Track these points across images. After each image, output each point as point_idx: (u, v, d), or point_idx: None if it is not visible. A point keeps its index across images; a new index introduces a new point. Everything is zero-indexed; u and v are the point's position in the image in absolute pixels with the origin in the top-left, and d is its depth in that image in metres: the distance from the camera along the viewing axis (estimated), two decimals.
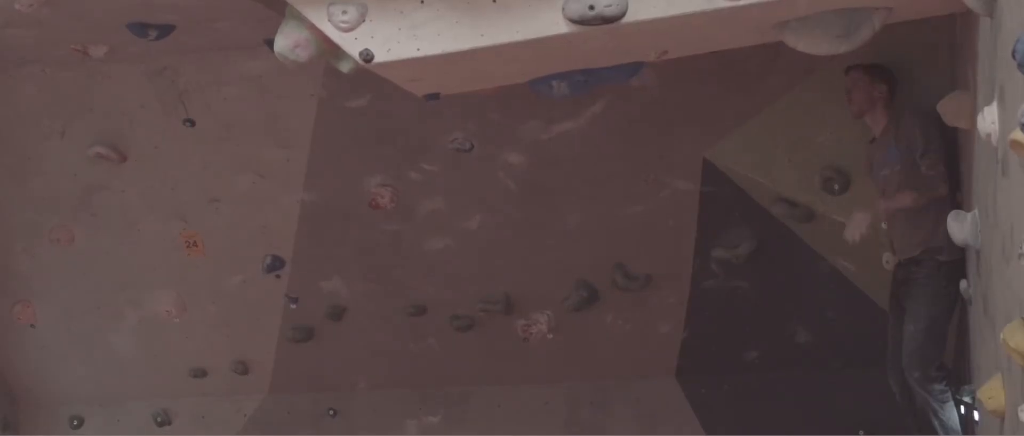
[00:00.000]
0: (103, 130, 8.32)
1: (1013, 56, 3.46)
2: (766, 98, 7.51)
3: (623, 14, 5.36)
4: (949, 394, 6.55)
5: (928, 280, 6.55)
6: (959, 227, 5.42)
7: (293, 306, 8.72)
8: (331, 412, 9.06)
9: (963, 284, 6.18)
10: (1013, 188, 4.17)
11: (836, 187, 7.40)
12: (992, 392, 4.67)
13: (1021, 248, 3.73)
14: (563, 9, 5.42)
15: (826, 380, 7.94)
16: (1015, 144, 3.58)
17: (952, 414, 6.57)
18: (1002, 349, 4.05)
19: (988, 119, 4.37)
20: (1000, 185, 4.54)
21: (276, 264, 8.58)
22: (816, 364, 8.12)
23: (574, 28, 5.43)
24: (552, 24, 5.47)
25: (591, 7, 5.37)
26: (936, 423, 6.57)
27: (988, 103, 4.53)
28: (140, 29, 7.26)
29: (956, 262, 6.42)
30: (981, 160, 5.32)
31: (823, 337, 8.08)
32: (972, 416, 6.36)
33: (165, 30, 7.31)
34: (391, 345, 8.77)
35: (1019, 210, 4.03)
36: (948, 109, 5.65)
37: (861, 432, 7.91)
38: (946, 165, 6.54)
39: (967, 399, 6.25)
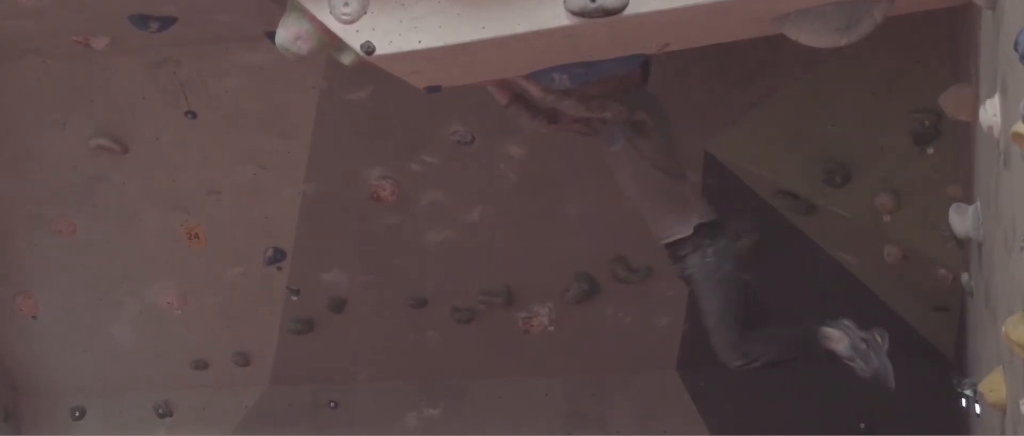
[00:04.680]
0: (104, 122, 8.33)
1: (1015, 48, 3.44)
2: (767, 91, 7.51)
3: (625, 6, 5.33)
4: (764, 343, 6.46)
5: (698, 268, 6.49)
6: (960, 220, 5.41)
7: (294, 298, 8.73)
8: (331, 404, 9.06)
9: (965, 277, 6.17)
10: (1015, 181, 4.16)
11: (838, 180, 7.39)
12: (993, 385, 4.66)
13: (1022, 241, 3.72)
14: (565, 2, 5.41)
15: (828, 373, 7.92)
16: (1017, 137, 3.57)
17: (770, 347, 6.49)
18: (1003, 342, 4.05)
19: (990, 112, 4.36)
20: (1002, 178, 4.54)
21: (277, 256, 8.58)
22: (817, 357, 8.10)
23: (576, 21, 5.40)
24: (553, 17, 5.44)
25: None
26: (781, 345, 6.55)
27: (990, 96, 4.52)
28: (141, 21, 7.26)
29: (716, 235, 6.34)
30: (983, 153, 5.32)
31: None
32: (973, 409, 6.36)
33: (166, 22, 7.32)
34: (391, 337, 8.77)
35: (1021, 203, 4.03)
36: (950, 102, 5.64)
37: (863, 426, 7.91)
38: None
39: (968, 392, 6.24)
